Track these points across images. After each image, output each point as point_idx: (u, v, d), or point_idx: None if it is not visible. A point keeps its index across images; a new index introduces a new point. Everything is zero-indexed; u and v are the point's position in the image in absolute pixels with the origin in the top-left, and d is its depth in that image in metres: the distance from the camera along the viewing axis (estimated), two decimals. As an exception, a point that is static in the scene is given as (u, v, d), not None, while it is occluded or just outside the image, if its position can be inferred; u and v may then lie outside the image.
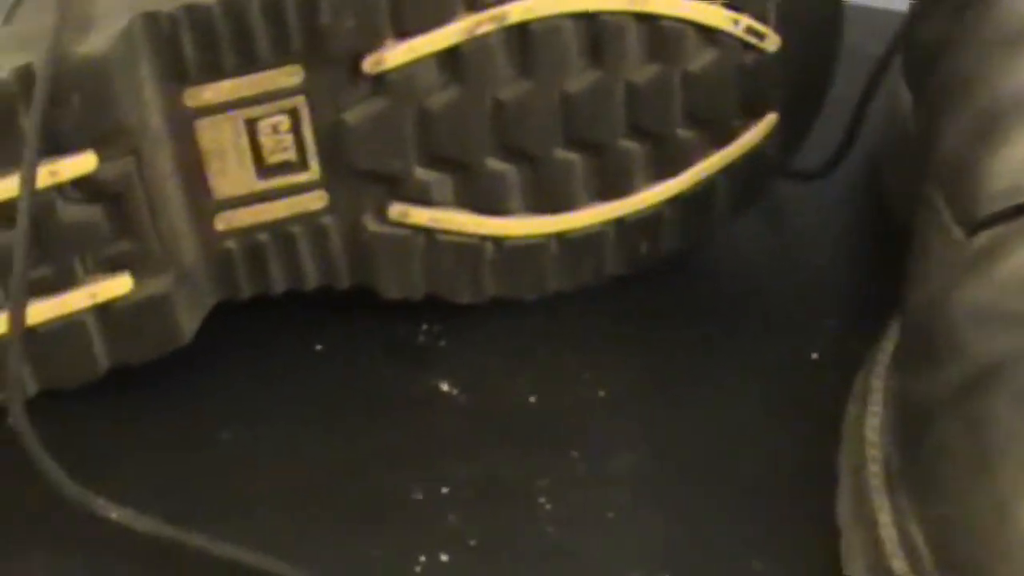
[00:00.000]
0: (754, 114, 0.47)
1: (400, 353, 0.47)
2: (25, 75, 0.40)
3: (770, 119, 0.47)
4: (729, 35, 0.45)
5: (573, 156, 0.45)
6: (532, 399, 0.45)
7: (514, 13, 0.42)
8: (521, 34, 0.43)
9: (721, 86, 0.45)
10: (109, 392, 0.44)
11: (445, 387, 0.45)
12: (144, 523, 0.39)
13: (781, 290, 0.49)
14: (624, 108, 0.45)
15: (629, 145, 0.45)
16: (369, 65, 0.42)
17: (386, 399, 0.45)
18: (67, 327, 0.43)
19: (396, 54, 0.42)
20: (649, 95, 0.45)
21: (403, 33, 0.42)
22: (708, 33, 0.45)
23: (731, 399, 0.45)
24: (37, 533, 0.41)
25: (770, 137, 0.47)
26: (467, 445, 0.43)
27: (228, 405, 0.45)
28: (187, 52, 0.42)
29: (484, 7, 0.42)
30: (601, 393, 0.45)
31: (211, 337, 0.45)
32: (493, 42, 0.43)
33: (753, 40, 0.45)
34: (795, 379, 0.46)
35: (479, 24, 0.42)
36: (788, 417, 0.44)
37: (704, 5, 0.44)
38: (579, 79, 0.44)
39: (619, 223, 0.47)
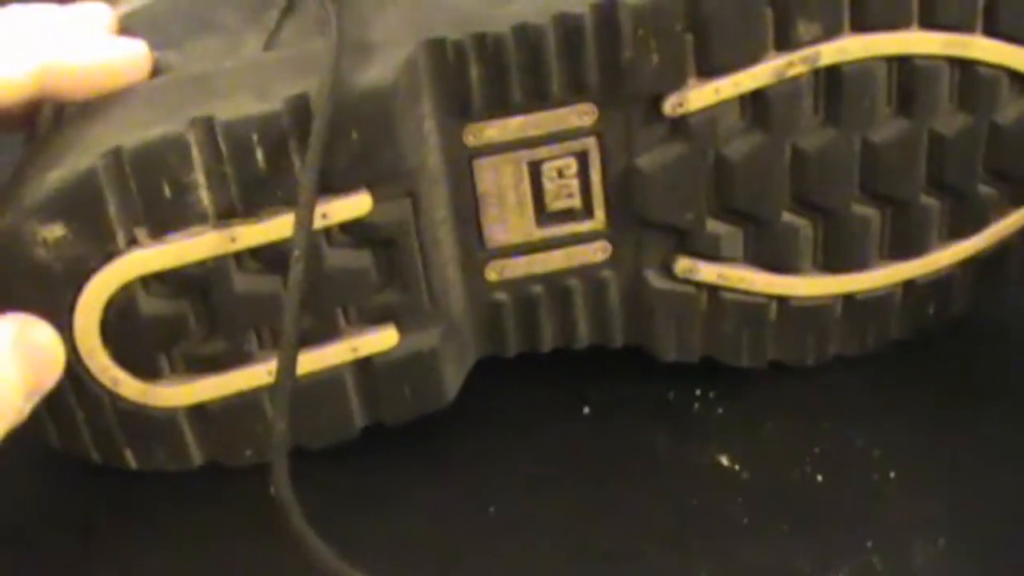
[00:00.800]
0: (1056, 170, 0.43)
1: (674, 420, 0.43)
2: (300, 106, 0.36)
3: (1072, 176, 0.43)
4: (1042, 83, 0.41)
5: (870, 211, 0.41)
6: (819, 478, 0.41)
7: (826, 54, 0.39)
8: (831, 78, 0.39)
9: None
10: (361, 454, 0.41)
11: (725, 461, 0.41)
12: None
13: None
14: (928, 161, 0.41)
15: (928, 201, 0.42)
16: (670, 107, 0.39)
17: (662, 472, 0.42)
18: (323, 382, 0.40)
19: (700, 95, 0.39)
20: (955, 147, 0.41)
21: (708, 73, 0.38)
22: (1022, 81, 0.41)
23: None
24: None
25: (1070, 196, 0.44)
26: (753, 529, 0.40)
27: (492, 473, 0.42)
28: (473, 85, 0.38)
29: (796, 46, 0.39)
30: (892, 474, 0.41)
31: (472, 396, 0.41)
32: (802, 86, 0.39)
33: (1065, 89, 0.41)
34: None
35: (790, 65, 0.39)
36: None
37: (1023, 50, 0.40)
38: (885, 128, 0.40)
39: (908, 285, 0.43)
